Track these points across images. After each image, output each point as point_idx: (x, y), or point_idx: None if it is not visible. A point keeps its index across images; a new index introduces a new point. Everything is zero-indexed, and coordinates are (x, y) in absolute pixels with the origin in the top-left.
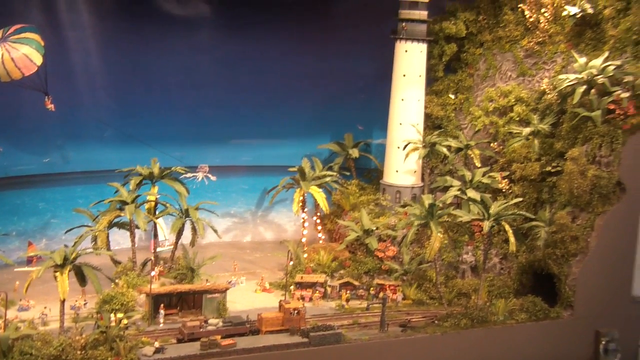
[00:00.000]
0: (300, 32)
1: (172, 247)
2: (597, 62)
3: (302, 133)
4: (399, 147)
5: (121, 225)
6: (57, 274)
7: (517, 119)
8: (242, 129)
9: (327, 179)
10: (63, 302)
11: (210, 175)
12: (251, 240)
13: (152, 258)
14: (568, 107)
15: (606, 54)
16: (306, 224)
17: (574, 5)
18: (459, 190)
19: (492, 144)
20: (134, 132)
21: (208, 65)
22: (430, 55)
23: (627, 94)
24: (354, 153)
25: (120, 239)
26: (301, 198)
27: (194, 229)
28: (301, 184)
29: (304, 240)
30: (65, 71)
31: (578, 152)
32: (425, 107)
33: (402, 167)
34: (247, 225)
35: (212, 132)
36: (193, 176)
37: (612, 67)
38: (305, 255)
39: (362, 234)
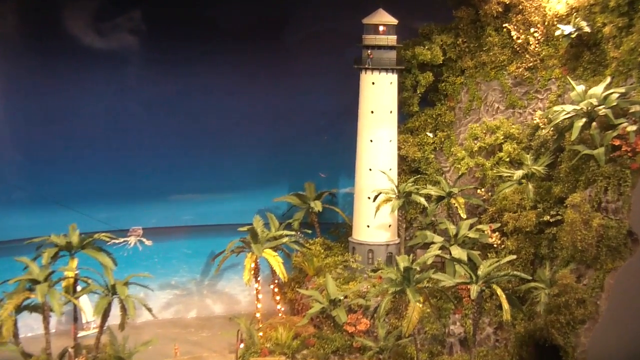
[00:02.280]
0: (249, 65)
1: (98, 332)
2: (598, 89)
3: (253, 184)
4: (369, 198)
5: (33, 309)
6: None
7: (508, 159)
8: (181, 182)
9: (285, 239)
10: None
11: (144, 240)
12: (197, 315)
13: (70, 349)
14: (566, 144)
15: (608, 79)
16: (261, 295)
17: (568, 23)
18: (441, 247)
19: (479, 191)
20: (49, 191)
21: (138, 108)
22: (402, 87)
23: (634, 127)
24: (317, 206)
25: (34, 323)
26: (253, 264)
27: (123, 309)
28: (253, 248)
29: (258, 315)
30: None
31: (580, 197)
32: (399, 149)
33: (374, 222)
34: (192, 298)
35: (145, 188)
36: (124, 242)
37: (615, 96)
38: (261, 333)
39: (328, 304)
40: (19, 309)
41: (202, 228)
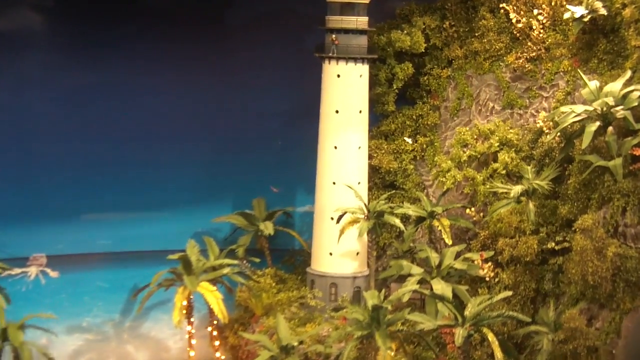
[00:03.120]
0: (182, 53)
1: None
2: (616, 86)
3: (188, 201)
4: (332, 218)
5: None
6: None
7: (504, 172)
8: (97, 198)
9: (227, 269)
10: None
11: (48, 270)
12: None
13: None
14: (576, 154)
15: (628, 74)
16: (194, 341)
17: (580, 4)
18: (420, 281)
19: (468, 210)
20: None
21: (42, 105)
22: (374, 81)
23: None
24: (268, 228)
25: None
26: (186, 302)
27: (17, 357)
28: (185, 281)
29: None
30: None
31: (592, 220)
32: (371, 158)
33: (338, 248)
34: (109, 345)
35: (50, 205)
36: (22, 273)
37: (636, 94)
38: None
39: (279, 352)
40: None
41: (122, 255)
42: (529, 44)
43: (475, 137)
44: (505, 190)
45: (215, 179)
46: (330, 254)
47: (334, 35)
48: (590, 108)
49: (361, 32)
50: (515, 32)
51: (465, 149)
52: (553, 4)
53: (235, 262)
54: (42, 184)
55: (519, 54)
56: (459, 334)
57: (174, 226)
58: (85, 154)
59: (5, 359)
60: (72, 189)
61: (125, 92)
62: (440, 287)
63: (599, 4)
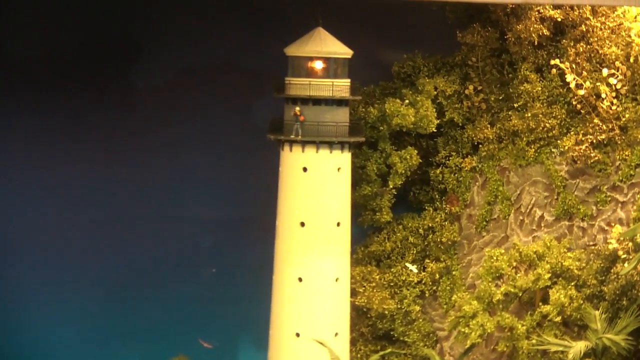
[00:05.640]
0: (70, 131)
1: None
2: None
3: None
4: None
5: None
6: None
7: (559, 318)
8: None
9: None
10: None
11: None
12: None
13: None
14: None
15: None
16: None
17: None
18: None
19: None
20: None
21: None
22: (362, 177)
23: None
24: None
25: None
26: None
27: None
28: None
29: None
30: None
31: None
32: (355, 294)
33: None
34: None
35: None
36: None
37: None
38: None
39: None
40: None
41: None
42: (596, 120)
43: (514, 263)
44: (561, 348)
45: (119, 328)
46: None
47: (297, 108)
48: None
49: (340, 102)
50: (575, 103)
51: (499, 283)
52: (632, 60)
53: None
54: None
55: (580, 136)
56: None
57: None
58: None
59: None
60: None
61: None
62: None
63: None
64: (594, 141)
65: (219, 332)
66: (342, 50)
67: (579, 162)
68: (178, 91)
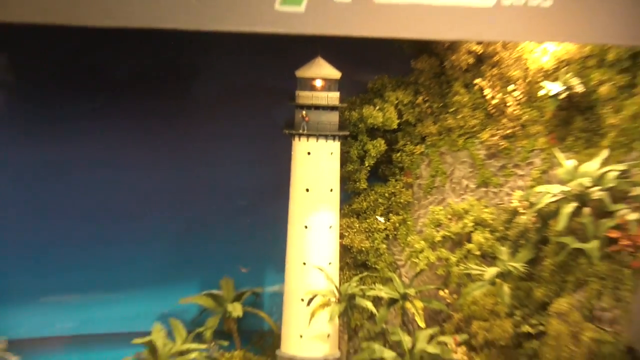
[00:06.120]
0: (146, 127)
1: None
2: (592, 166)
3: (153, 282)
4: (302, 300)
5: None
6: None
7: (478, 252)
8: (58, 280)
9: (194, 354)
10: None
11: (9, 355)
12: None
13: None
14: (551, 235)
15: (605, 153)
16: None
17: (556, 80)
18: None
19: (441, 292)
20: None
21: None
22: (346, 158)
23: (636, 215)
24: (236, 310)
25: None
26: None
27: None
28: None
29: None
30: None
31: (568, 303)
32: (342, 237)
33: (308, 331)
34: None
35: (9, 288)
36: None
37: (613, 174)
38: None
39: None
40: None
41: (85, 338)
42: (504, 120)
43: (449, 216)
44: (479, 272)
45: (182, 258)
46: (301, 336)
47: (304, 112)
48: (566, 188)
49: (332, 108)
50: (490, 109)
51: (438, 229)
52: (529, 80)
53: (203, 346)
54: (0, 266)
55: (494, 131)
56: None
57: (140, 307)
58: (46, 233)
59: None
60: (33, 270)
61: (88, 168)
62: None
63: (575, 81)
64: (503, 134)
65: (252, 261)
66: (334, 73)
67: (492, 148)
68: (224, 99)
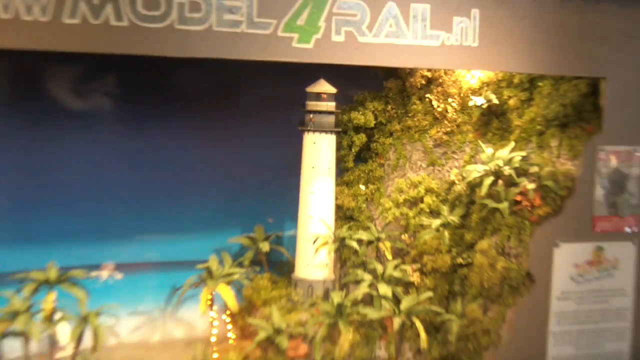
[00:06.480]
0: (204, 123)
1: (73, 354)
2: (504, 152)
3: (211, 226)
4: (309, 240)
5: (15, 335)
6: None
7: (428, 210)
8: (147, 223)
9: (237, 275)
10: None
11: (115, 274)
12: (160, 339)
13: None
14: (477, 198)
15: (512, 144)
16: (215, 323)
17: (480, 95)
18: (370, 285)
19: (403, 236)
20: (31, 231)
21: (109, 159)
22: (339, 146)
23: (532, 185)
24: (265, 247)
25: (18, 345)
26: (209, 297)
27: (95, 334)
28: (208, 283)
29: (213, 339)
30: None
31: (487, 244)
32: (336, 199)
33: (313, 261)
34: (156, 324)
35: (116, 228)
36: (97, 275)
37: (518, 158)
38: (216, 355)
39: (272, 332)
40: (3, 336)
41: (166, 264)
42: (445, 122)
43: (408, 185)
44: (428, 223)
45: (230, 212)
46: (308, 264)
47: (311, 115)
48: (487, 167)
49: (330, 112)
50: (436, 114)
51: (401, 194)
52: (462, 95)
53: (243, 270)
54: (111, 213)
55: (438, 129)
56: (396, 321)
57: (202, 243)
58: (139, 192)
59: (86, 338)
60: (131, 217)
61: (166, 151)
62: (384, 289)
63: (492, 96)
64: (444, 131)
65: (276, 213)
66: (331, 89)
67: (437, 141)
68: (258, 106)
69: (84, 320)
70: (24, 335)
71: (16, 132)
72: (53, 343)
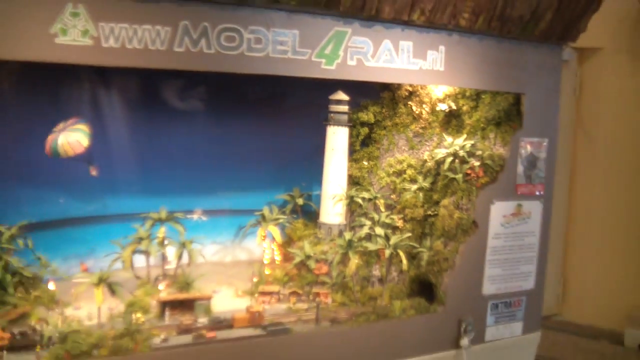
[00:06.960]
0: (262, 119)
1: (175, 267)
2: (459, 141)
3: (265, 187)
4: (330, 197)
5: (140, 252)
6: (94, 289)
7: (409, 179)
8: (223, 184)
9: (281, 219)
10: (99, 308)
11: (202, 217)
12: (231, 260)
13: (160, 276)
14: (441, 172)
15: (465, 135)
16: (267, 250)
17: (444, 103)
18: (370, 228)
19: (392, 196)
20: (152, 187)
21: (201, 142)
22: (350, 135)
23: (478, 163)
24: (300, 201)
25: (143, 259)
26: (263, 234)
27: (189, 255)
28: (262, 224)
29: (266, 261)
30: (106, 150)
31: (448, 201)
32: (348, 170)
33: (332, 211)
34: (228, 250)
35: (203, 187)
36: (190, 217)
37: (468, 145)
38: (267, 272)
39: (304, 257)
40: (133, 252)
41: (235, 211)
42: (421, 120)
43: (396, 162)
44: (409, 187)
45: (277, 178)
46: (328, 213)
47: (332, 114)
48: (448, 151)
49: (345, 113)
50: (414, 115)
51: (391, 168)
52: (432, 102)
53: (285, 216)
54: (201, 178)
55: (416, 125)
56: (387, 252)
57: (259, 198)
58: (219, 165)
59: (184, 257)
60: (213, 180)
61: (236, 138)
62: (379, 230)
63: (452, 104)
64: (420, 127)
65: (308, 179)
66: (346, 98)
67: (415, 133)
68: (295, 108)
69: (182, 245)
70: (146, 253)
71: (143, 123)
72: (164, 259)
